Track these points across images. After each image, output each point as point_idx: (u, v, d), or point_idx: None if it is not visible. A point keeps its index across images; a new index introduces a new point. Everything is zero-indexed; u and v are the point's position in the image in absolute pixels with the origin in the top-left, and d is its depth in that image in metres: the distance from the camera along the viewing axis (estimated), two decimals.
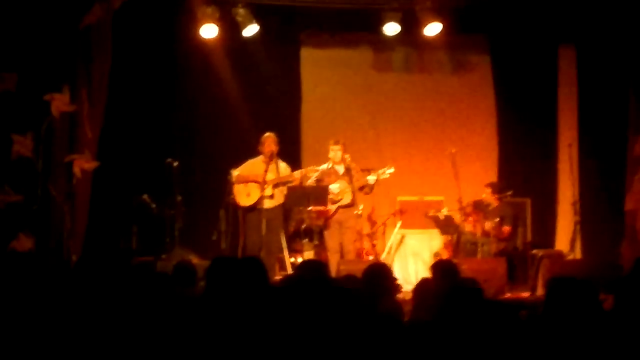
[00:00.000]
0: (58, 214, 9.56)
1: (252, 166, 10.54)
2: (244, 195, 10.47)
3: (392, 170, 10.67)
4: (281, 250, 10.90)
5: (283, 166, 10.58)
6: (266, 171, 10.29)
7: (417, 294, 5.73)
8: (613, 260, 10.24)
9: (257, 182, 10.33)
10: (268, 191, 10.36)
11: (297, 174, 10.51)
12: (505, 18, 11.91)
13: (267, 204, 10.36)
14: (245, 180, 10.47)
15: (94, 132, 9.88)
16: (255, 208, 10.38)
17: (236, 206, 10.67)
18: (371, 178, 10.59)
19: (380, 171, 10.63)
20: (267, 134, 10.53)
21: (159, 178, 11.12)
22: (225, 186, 10.70)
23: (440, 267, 6.73)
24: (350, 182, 10.63)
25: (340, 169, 10.72)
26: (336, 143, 10.72)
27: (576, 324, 3.80)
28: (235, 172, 10.53)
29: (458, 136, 12.61)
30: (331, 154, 10.72)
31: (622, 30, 11.11)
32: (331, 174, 10.73)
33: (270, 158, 10.39)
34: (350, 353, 3.33)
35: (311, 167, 10.61)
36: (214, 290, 4.06)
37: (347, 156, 10.67)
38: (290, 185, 10.46)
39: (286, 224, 11.39)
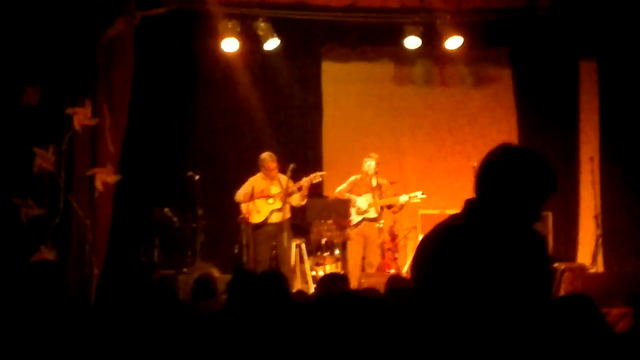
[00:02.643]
0: (80, 227, 9.60)
1: (255, 184, 10.66)
2: (254, 213, 10.59)
3: (424, 196, 10.88)
4: (290, 262, 10.94)
5: (285, 179, 10.67)
6: (273, 185, 10.54)
7: None
8: (635, 273, 10.16)
9: (265, 196, 10.49)
10: (277, 204, 10.49)
11: (304, 182, 10.57)
12: (526, 31, 11.85)
13: (275, 217, 10.57)
14: (252, 198, 10.53)
15: (115, 146, 9.92)
16: (265, 223, 10.53)
17: (247, 224, 10.72)
18: (403, 199, 10.76)
19: (413, 194, 10.86)
20: (267, 154, 10.71)
21: (181, 191, 11.18)
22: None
23: None
24: (380, 197, 10.75)
25: (373, 181, 10.81)
26: (371, 156, 10.84)
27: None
28: (240, 192, 10.64)
29: (479, 149, 12.46)
30: (365, 167, 10.86)
31: None
32: (362, 185, 10.88)
33: (275, 174, 10.53)
34: None
35: (315, 174, 10.67)
36: (236, 304, 4.07)
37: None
38: (312, 198, 10.62)
39: (307, 236, 11.39)
